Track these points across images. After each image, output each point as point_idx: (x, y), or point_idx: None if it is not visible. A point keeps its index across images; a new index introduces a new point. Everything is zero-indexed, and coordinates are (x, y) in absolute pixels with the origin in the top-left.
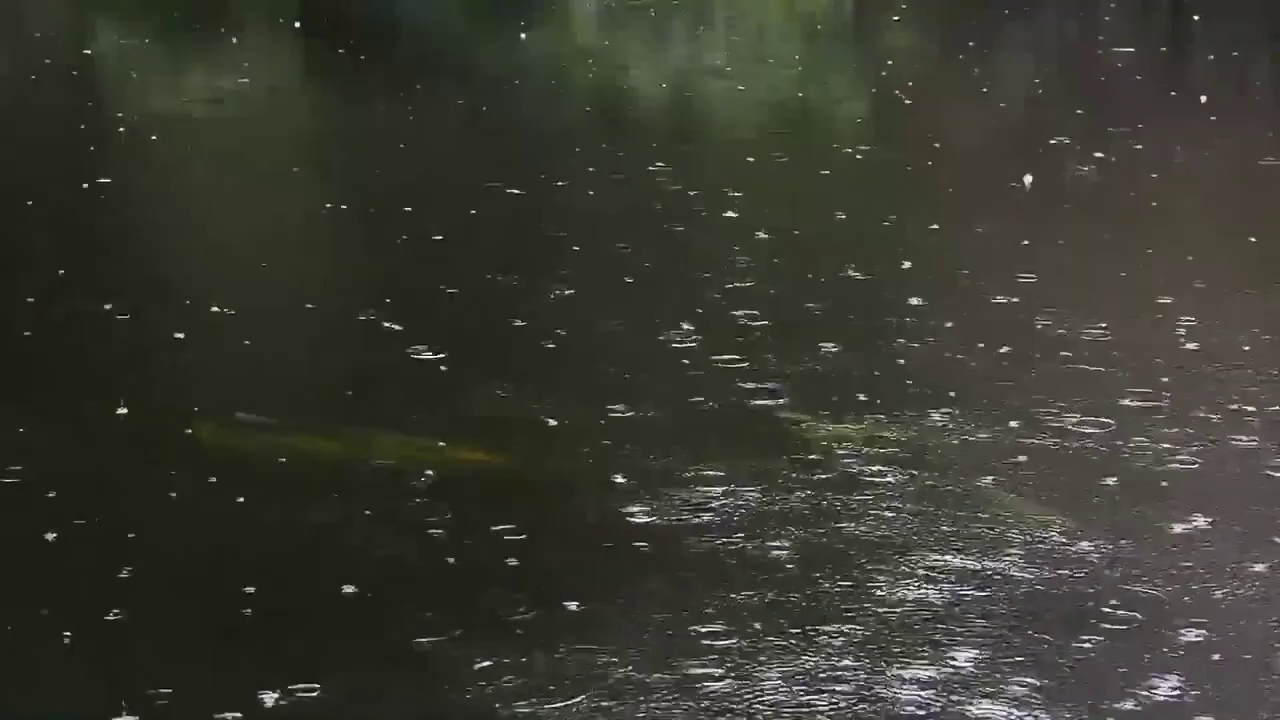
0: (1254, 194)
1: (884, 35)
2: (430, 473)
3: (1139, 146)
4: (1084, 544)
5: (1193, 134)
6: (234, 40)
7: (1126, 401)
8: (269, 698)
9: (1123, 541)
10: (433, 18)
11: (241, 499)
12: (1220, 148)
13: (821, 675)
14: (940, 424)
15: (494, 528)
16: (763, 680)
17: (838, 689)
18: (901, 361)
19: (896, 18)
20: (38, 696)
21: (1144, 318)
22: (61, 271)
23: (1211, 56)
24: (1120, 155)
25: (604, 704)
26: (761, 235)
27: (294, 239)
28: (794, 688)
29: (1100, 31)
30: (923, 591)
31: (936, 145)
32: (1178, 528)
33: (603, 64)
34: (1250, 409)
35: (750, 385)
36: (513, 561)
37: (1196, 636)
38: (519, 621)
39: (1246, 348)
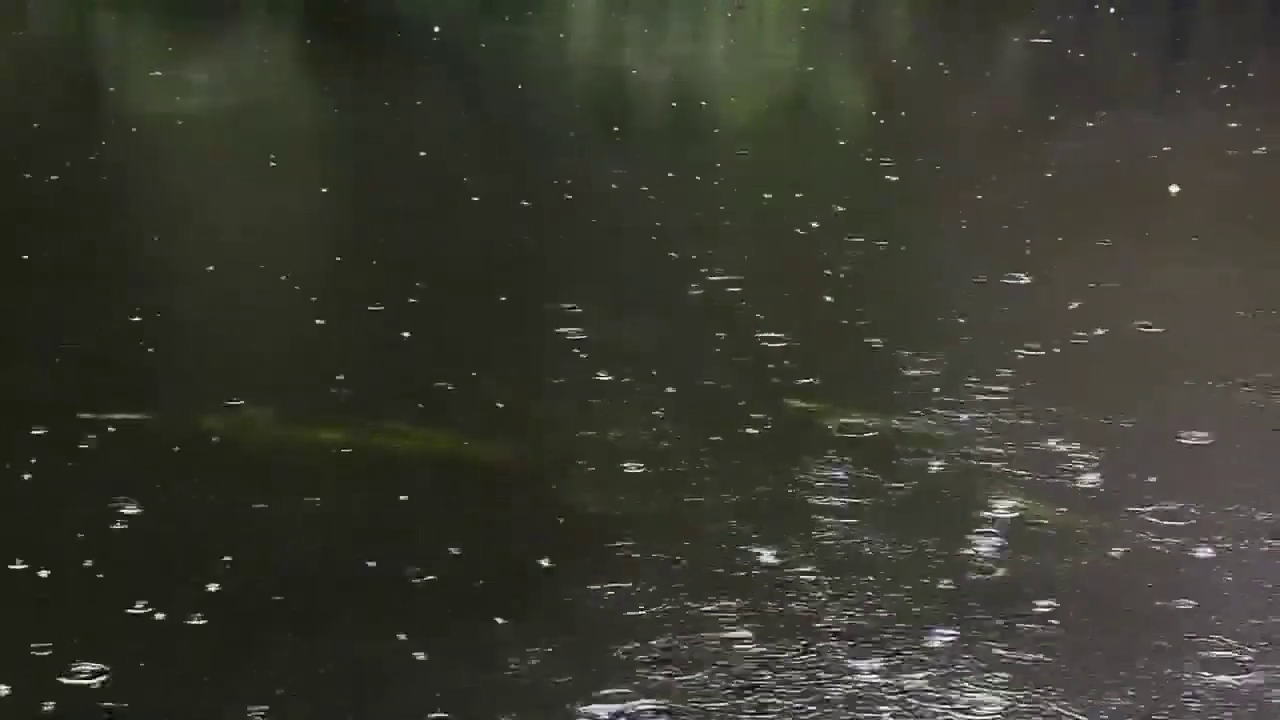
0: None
1: (882, 28)
2: (431, 466)
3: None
4: (1097, 544)
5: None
6: (234, 34)
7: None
8: (267, 695)
9: (1140, 538)
10: (432, 7)
11: (239, 494)
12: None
13: (825, 673)
14: (949, 418)
15: (493, 521)
16: (761, 679)
17: (842, 688)
18: (908, 353)
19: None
20: (38, 696)
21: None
22: (60, 268)
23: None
24: (1115, 148)
25: (604, 700)
26: (759, 232)
27: (292, 235)
28: (793, 688)
29: (1101, 28)
30: (928, 589)
31: (931, 138)
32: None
33: (600, 55)
34: None
35: (753, 379)
36: (512, 557)
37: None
38: (518, 619)
39: None
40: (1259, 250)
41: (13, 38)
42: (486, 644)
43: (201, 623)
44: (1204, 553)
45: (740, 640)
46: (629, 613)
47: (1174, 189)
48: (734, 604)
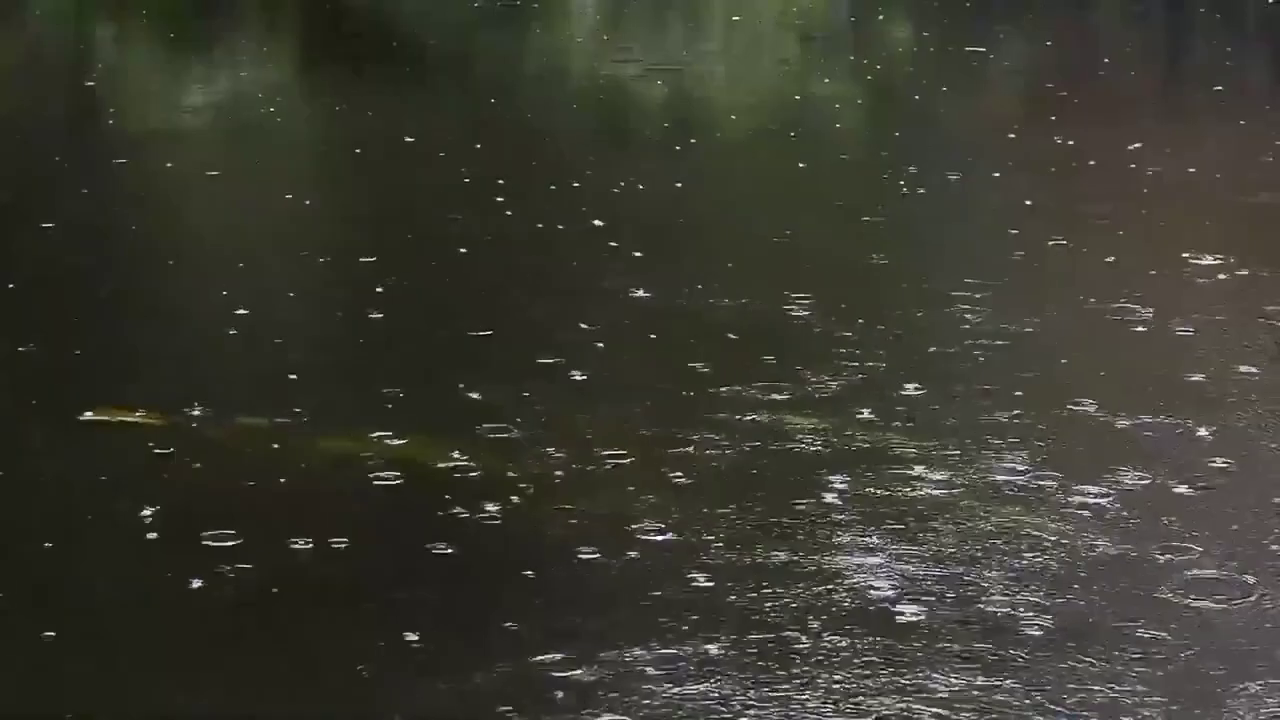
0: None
1: (881, 34)
2: (430, 471)
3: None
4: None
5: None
6: (233, 33)
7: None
8: (263, 698)
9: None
10: (431, 10)
11: (236, 498)
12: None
13: (810, 681)
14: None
15: (488, 524)
16: (750, 686)
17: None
18: (905, 362)
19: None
20: (39, 699)
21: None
22: (59, 270)
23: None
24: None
25: (593, 704)
26: (752, 236)
27: (287, 239)
28: (779, 696)
29: (1100, 34)
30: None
31: (929, 142)
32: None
33: (598, 59)
34: None
35: (742, 386)
36: (509, 559)
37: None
38: (516, 623)
39: None
40: None
41: (12, 38)
42: (486, 646)
43: (199, 625)
44: None
45: (733, 643)
46: (631, 615)
47: None
48: (731, 605)
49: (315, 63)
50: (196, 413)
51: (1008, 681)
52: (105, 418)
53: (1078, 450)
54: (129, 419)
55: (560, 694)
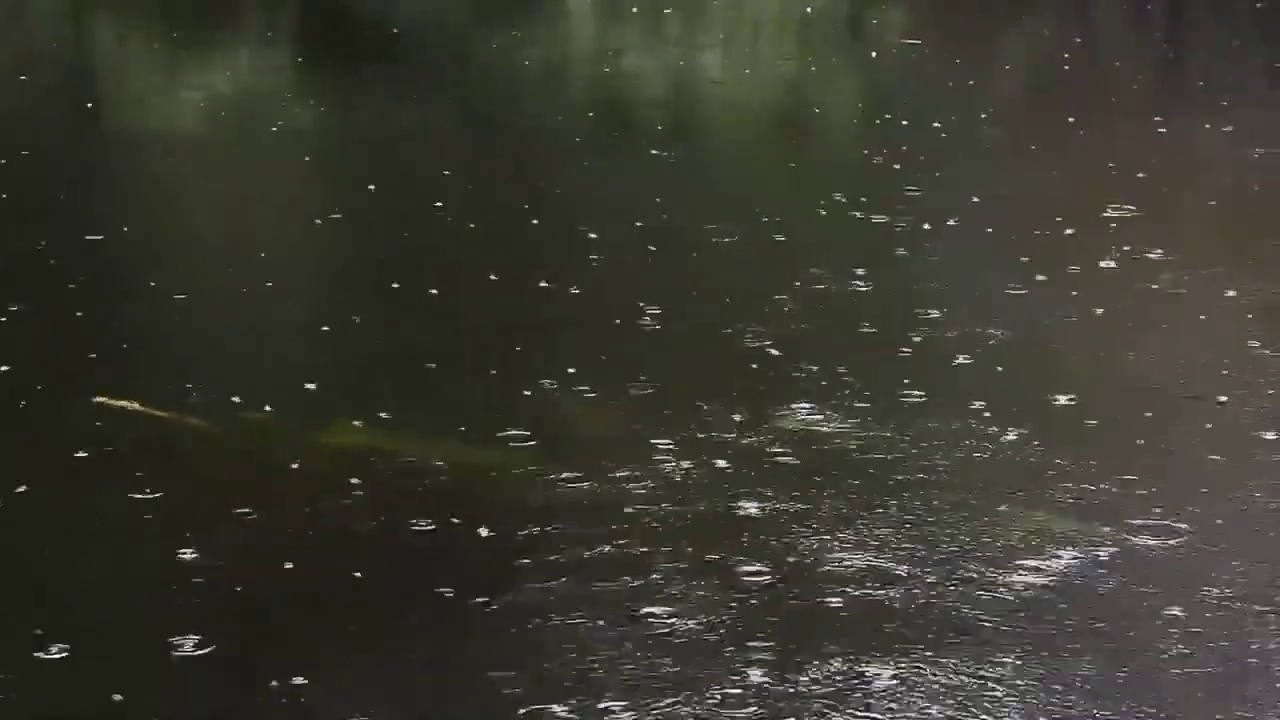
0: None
1: (881, 35)
2: (428, 470)
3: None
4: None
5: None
6: (229, 34)
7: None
8: (262, 697)
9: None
10: (429, 12)
11: (238, 491)
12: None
13: (803, 683)
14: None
15: (490, 523)
16: (748, 689)
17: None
18: (896, 364)
19: None
20: (38, 695)
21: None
22: (59, 269)
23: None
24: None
25: (591, 703)
26: (746, 238)
27: (290, 235)
28: (773, 700)
29: (1098, 36)
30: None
31: (927, 148)
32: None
33: (595, 61)
34: None
35: (743, 390)
36: (510, 558)
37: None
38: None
39: None
40: None
41: (11, 37)
42: (484, 646)
43: (199, 622)
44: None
45: (730, 652)
46: (631, 616)
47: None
48: (729, 612)
49: (315, 62)
50: (199, 407)
51: None
52: (110, 400)
53: None
54: (133, 407)
55: (568, 697)
